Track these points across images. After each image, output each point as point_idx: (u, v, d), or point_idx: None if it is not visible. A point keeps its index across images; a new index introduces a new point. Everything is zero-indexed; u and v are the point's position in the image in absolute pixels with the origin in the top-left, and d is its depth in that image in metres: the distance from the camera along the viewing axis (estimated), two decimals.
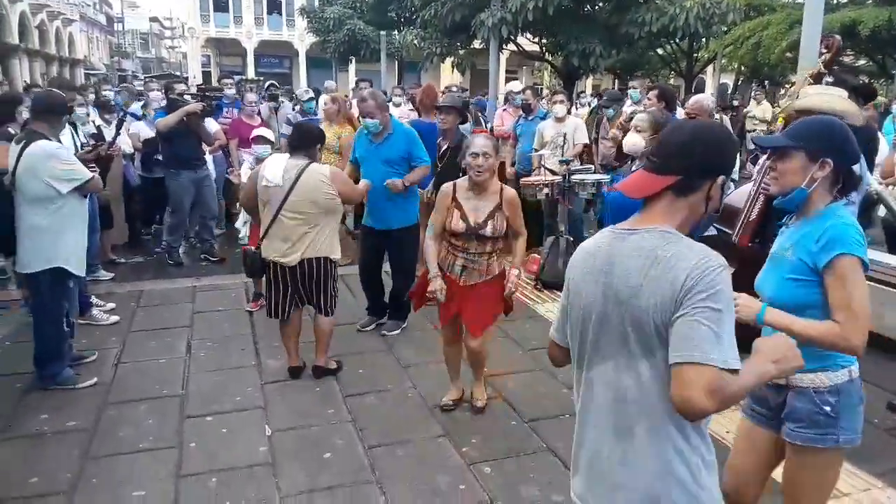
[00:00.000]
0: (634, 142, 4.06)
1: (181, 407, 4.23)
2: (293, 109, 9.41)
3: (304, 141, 4.42)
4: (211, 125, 7.48)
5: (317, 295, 4.49)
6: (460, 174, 4.03)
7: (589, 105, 11.35)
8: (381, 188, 5.04)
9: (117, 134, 6.29)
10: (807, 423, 2.31)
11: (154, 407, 4.23)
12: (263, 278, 4.79)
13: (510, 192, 3.88)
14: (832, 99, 3.80)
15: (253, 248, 4.58)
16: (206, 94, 7.32)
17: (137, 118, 8.08)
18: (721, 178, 1.74)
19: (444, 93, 8.00)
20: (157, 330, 5.51)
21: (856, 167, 2.35)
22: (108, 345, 5.18)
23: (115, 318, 5.67)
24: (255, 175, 4.55)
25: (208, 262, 7.54)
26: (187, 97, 7.16)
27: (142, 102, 8.86)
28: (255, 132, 6.00)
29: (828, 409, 2.28)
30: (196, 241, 7.91)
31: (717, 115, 9.21)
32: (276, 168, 4.40)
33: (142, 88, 10.83)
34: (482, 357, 4.13)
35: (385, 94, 10.60)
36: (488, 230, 3.78)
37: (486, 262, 3.86)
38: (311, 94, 8.95)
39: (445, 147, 5.95)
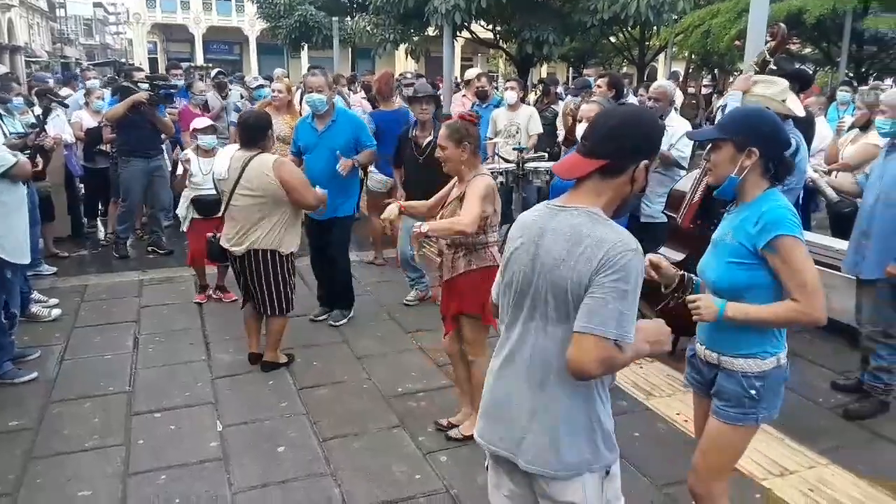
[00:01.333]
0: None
1: (128, 404, 4.14)
2: (241, 98, 9.22)
3: (251, 133, 4.34)
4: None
5: (268, 294, 4.41)
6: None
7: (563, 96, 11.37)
8: (325, 178, 4.88)
9: (43, 122, 6.10)
10: (732, 403, 2.45)
11: (100, 404, 4.13)
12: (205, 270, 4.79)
13: (477, 180, 3.45)
14: (764, 101, 3.89)
15: (213, 235, 4.61)
16: (155, 82, 7.09)
17: (60, 105, 7.76)
18: (644, 163, 1.86)
19: (399, 81, 7.93)
20: (102, 325, 5.38)
21: (789, 153, 2.42)
22: (51, 341, 5.04)
23: (57, 311, 5.51)
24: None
25: (156, 254, 7.38)
26: (142, 86, 6.96)
27: (83, 90, 8.58)
28: (195, 123, 5.84)
29: (753, 392, 2.41)
30: (143, 233, 7.73)
31: (678, 104, 9.35)
32: (224, 161, 4.40)
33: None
34: (475, 374, 3.66)
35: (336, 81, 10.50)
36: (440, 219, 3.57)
37: (452, 257, 3.56)
38: (262, 82, 8.77)
39: (429, 140, 5.67)
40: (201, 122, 5.89)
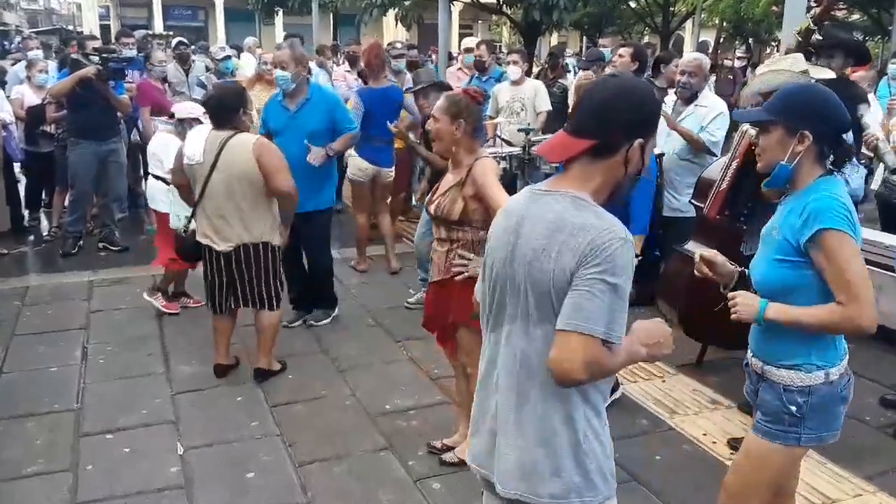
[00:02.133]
0: None
1: (76, 423, 4.14)
2: (206, 70, 9.21)
3: (222, 111, 4.33)
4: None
5: (257, 288, 4.45)
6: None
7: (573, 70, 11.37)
8: (299, 165, 4.85)
9: None
10: (772, 418, 2.46)
11: (44, 423, 4.13)
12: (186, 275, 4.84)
13: (478, 165, 3.40)
14: (776, 76, 3.90)
15: (188, 228, 4.59)
16: (103, 56, 7.05)
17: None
18: (639, 142, 1.84)
19: (387, 51, 7.90)
20: (47, 332, 5.38)
21: (847, 136, 2.42)
22: None
23: None
24: (180, 152, 4.51)
25: (108, 251, 7.36)
26: (93, 59, 6.93)
27: (24, 62, 8.56)
28: (179, 110, 5.70)
29: (793, 408, 2.41)
30: (93, 227, 7.72)
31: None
32: (197, 142, 4.35)
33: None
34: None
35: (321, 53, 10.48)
36: (431, 208, 3.52)
37: (445, 255, 3.52)
38: (229, 52, 8.76)
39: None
40: (185, 108, 5.61)
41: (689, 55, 5.87)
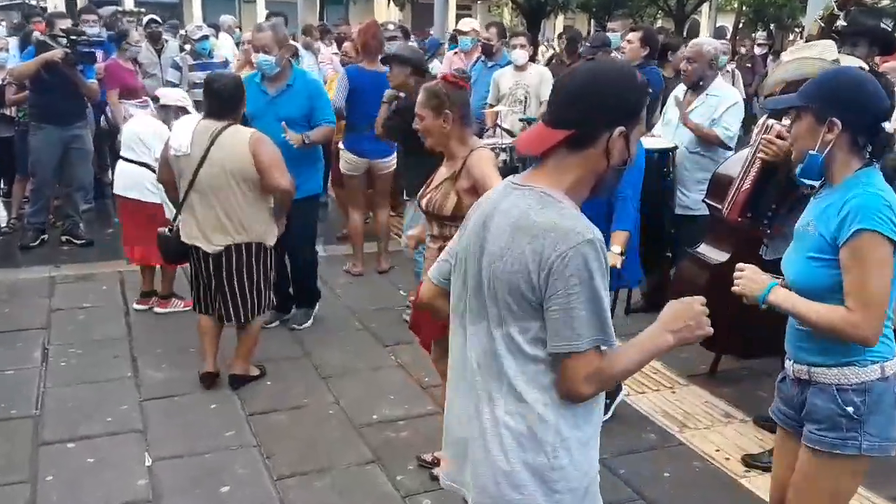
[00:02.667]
0: None
1: (35, 431, 4.14)
2: (181, 51, 9.20)
3: (224, 102, 4.34)
4: None
5: (249, 296, 4.45)
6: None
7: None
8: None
9: None
10: (826, 426, 2.44)
11: (0, 431, 4.13)
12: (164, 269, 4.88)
13: (474, 157, 3.45)
14: (804, 63, 3.93)
15: (166, 229, 4.57)
16: (72, 38, 7.03)
17: None
18: (620, 130, 1.85)
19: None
20: (2, 333, 5.37)
21: (888, 125, 2.44)
22: None
23: None
24: (166, 142, 4.53)
25: (71, 245, 7.36)
26: (61, 41, 6.92)
27: None
28: (168, 96, 5.67)
29: (850, 409, 2.39)
30: (56, 219, 7.71)
31: (727, 67, 9.31)
32: (184, 133, 4.36)
33: None
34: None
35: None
36: (423, 202, 3.57)
37: (437, 252, 3.41)
38: (206, 32, 8.75)
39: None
40: (173, 96, 5.56)
41: (694, 40, 5.89)
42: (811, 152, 2.37)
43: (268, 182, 4.32)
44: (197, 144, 4.29)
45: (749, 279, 2.43)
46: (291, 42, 6.60)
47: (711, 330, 1.91)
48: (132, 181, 5.54)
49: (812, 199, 2.53)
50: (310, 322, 5.55)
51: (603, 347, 1.79)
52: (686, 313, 1.92)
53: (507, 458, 1.87)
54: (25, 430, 4.15)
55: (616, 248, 3.99)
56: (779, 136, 3.87)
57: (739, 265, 2.49)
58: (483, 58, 8.06)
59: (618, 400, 4.34)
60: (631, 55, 6.55)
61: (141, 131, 5.58)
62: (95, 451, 3.96)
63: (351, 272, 6.74)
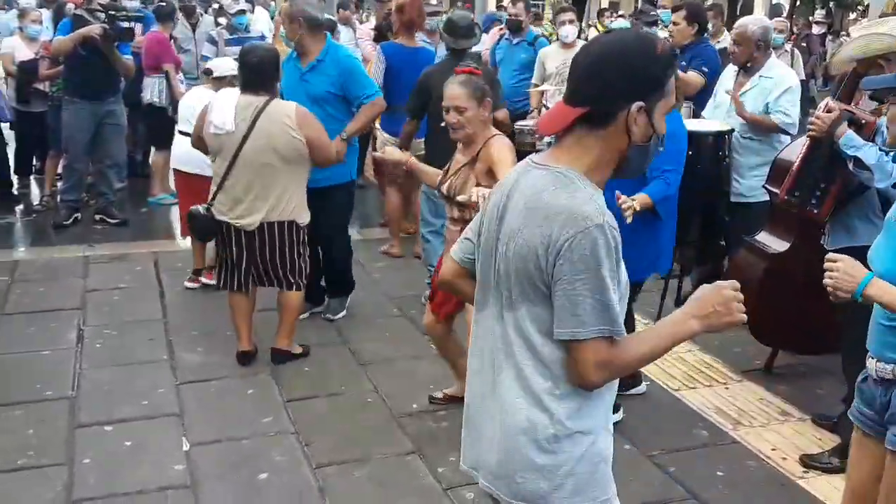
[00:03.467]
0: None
1: (71, 413, 4.21)
2: (216, 25, 9.27)
3: (261, 74, 4.38)
4: None
5: (281, 268, 4.57)
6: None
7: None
8: None
9: None
10: None
11: (35, 412, 4.21)
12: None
13: (496, 142, 3.73)
14: (873, 40, 3.84)
15: (202, 206, 4.60)
16: (110, 13, 7.09)
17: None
18: (639, 105, 1.82)
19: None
20: (37, 313, 5.46)
21: None
22: None
23: None
24: (200, 118, 4.57)
25: (105, 224, 7.46)
26: (99, 16, 6.99)
27: (13, 11, 8.66)
28: (221, 66, 5.69)
29: None
30: (89, 197, 7.82)
31: (785, 47, 9.13)
32: (226, 109, 4.40)
33: None
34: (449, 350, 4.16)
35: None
36: (444, 188, 3.78)
37: (457, 233, 3.52)
38: (243, 6, 8.80)
39: None
40: (226, 66, 5.59)
41: (740, 21, 5.72)
42: None
43: (321, 155, 4.45)
44: (240, 121, 4.34)
45: (845, 272, 2.30)
46: (327, 16, 6.55)
47: (743, 317, 1.83)
48: (189, 155, 5.55)
49: None
50: (344, 312, 5.55)
51: (610, 335, 1.78)
52: (715, 298, 1.83)
53: (511, 442, 1.89)
54: (61, 411, 4.23)
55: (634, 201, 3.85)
56: (827, 111, 3.81)
57: (831, 255, 2.38)
58: (508, 34, 8.00)
59: (640, 389, 4.35)
60: (679, 37, 6.40)
61: (197, 105, 5.62)
62: (132, 434, 4.03)
63: (389, 253, 6.75)
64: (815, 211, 4.08)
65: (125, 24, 7.03)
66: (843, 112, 3.78)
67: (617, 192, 3.74)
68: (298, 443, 4.00)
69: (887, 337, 2.45)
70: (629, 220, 3.68)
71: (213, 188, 4.54)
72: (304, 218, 4.58)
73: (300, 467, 3.79)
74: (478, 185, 3.55)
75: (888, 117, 2.41)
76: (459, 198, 3.55)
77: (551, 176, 1.83)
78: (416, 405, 4.38)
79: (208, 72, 5.83)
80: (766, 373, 4.80)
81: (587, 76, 1.83)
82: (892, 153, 3.06)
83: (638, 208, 3.81)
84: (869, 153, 3.44)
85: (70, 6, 7.87)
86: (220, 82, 5.41)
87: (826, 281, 2.34)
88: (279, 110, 4.35)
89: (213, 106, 4.52)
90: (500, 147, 3.66)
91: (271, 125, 4.31)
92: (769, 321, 4.45)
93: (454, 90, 3.69)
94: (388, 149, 3.95)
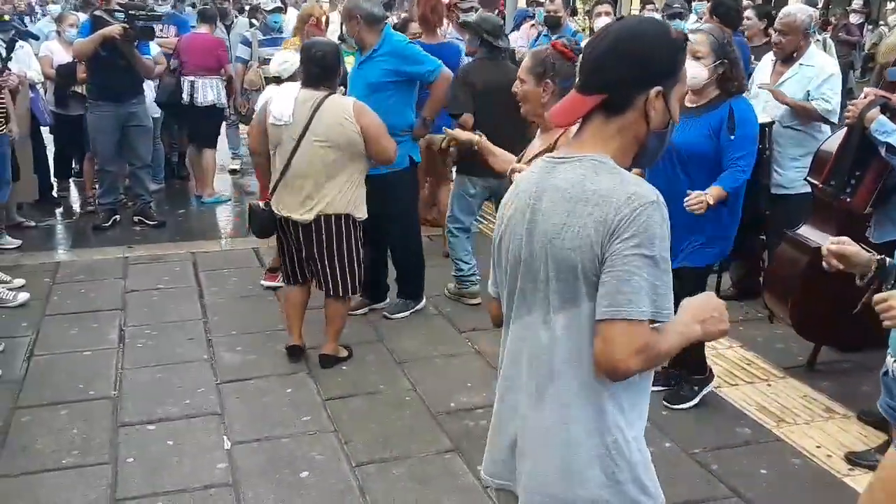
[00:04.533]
0: (694, 73, 3.88)
1: (114, 412, 4.27)
2: (251, 26, 9.33)
3: (324, 69, 4.44)
4: (152, 48, 7.54)
5: (339, 268, 4.58)
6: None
7: None
8: None
9: (7, 57, 6.28)
10: None
11: (79, 412, 4.27)
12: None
13: (572, 131, 3.55)
14: None
15: (261, 203, 4.71)
16: (130, 12, 7.11)
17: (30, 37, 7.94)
18: (657, 90, 1.81)
19: (456, 4, 7.84)
20: (79, 313, 5.54)
21: None
22: (16, 332, 5.21)
23: (24, 296, 5.70)
24: (263, 110, 4.64)
25: (143, 225, 7.56)
26: (119, 16, 7.05)
27: (48, 18, 8.76)
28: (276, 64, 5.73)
29: None
30: (127, 199, 7.92)
31: (819, 37, 9.05)
32: (286, 102, 4.47)
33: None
34: None
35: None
36: (517, 176, 3.58)
37: None
38: (278, 4, 8.84)
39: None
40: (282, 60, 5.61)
41: (785, 10, 5.63)
42: None
43: (377, 149, 4.49)
44: (299, 113, 4.40)
45: None
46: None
47: (728, 327, 1.88)
48: None
49: None
50: (407, 313, 5.50)
51: (654, 319, 1.73)
52: (710, 303, 1.88)
53: (563, 453, 1.84)
54: (104, 410, 4.28)
55: (707, 195, 3.81)
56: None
57: (879, 296, 2.34)
58: (546, 30, 7.97)
59: (705, 391, 4.30)
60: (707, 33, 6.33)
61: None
62: (174, 433, 4.07)
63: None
64: (849, 200, 4.03)
65: (145, 24, 7.06)
66: (878, 98, 3.73)
67: (688, 190, 3.74)
68: (338, 441, 4.02)
69: None
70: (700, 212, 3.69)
71: (273, 182, 4.58)
72: (361, 212, 4.61)
73: (340, 465, 3.81)
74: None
75: None
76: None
77: (587, 163, 1.80)
78: (453, 403, 4.39)
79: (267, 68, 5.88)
80: (809, 369, 4.74)
81: (601, 63, 1.82)
82: None
83: (712, 202, 3.79)
84: None
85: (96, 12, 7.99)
86: (278, 80, 5.42)
87: (886, 323, 2.32)
88: (338, 104, 4.42)
89: (274, 98, 4.61)
90: None
91: (330, 118, 4.37)
92: (812, 317, 4.40)
93: (524, 62, 3.55)
94: (455, 130, 3.83)
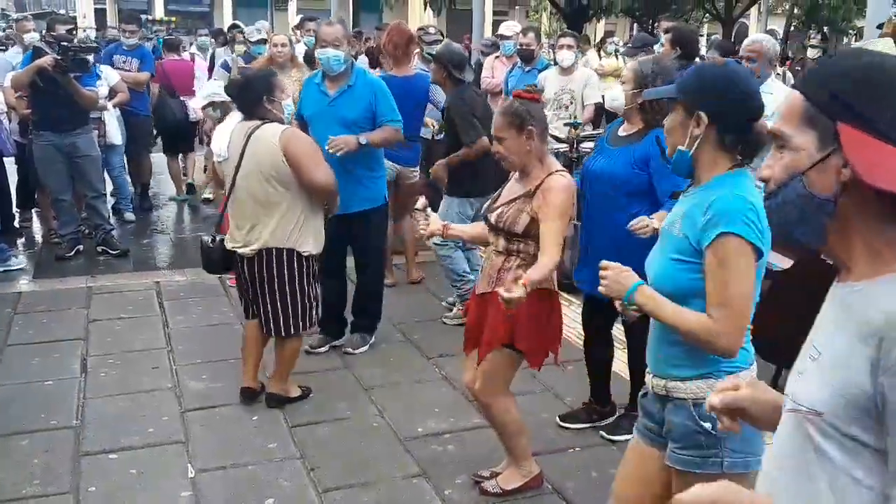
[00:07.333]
0: (614, 96, 3.97)
1: (76, 442, 4.22)
2: (231, 53, 9.46)
3: (249, 97, 4.31)
4: (110, 75, 7.57)
5: (271, 305, 4.40)
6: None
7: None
8: (335, 160, 4.74)
9: None
10: (686, 444, 2.38)
11: (41, 442, 4.21)
12: None
13: (554, 181, 3.43)
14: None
15: (210, 238, 4.59)
16: (63, 44, 7.05)
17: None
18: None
19: (420, 37, 7.94)
20: (41, 343, 5.48)
21: (759, 123, 2.32)
22: None
23: None
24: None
25: (107, 255, 7.51)
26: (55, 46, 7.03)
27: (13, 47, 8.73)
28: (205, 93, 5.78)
29: (708, 425, 2.31)
30: (87, 229, 7.86)
31: (778, 70, 9.29)
32: (223, 137, 4.45)
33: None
34: (495, 417, 3.71)
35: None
36: (493, 217, 3.52)
37: (500, 264, 3.53)
38: (264, 36, 8.88)
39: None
40: (211, 90, 5.80)
41: (752, 37, 5.78)
42: (680, 148, 2.34)
43: (304, 178, 4.23)
44: (234, 147, 4.34)
45: (613, 279, 2.34)
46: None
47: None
48: None
49: (681, 197, 2.47)
50: (366, 347, 5.42)
51: None
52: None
53: None
54: (66, 440, 4.23)
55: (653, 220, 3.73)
56: None
57: (603, 262, 2.39)
58: (521, 63, 8.10)
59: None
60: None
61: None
62: (137, 462, 4.02)
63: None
64: None
65: (78, 57, 6.97)
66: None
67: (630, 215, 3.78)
68: (304, 468, 3.99)
69: (658, 350, 2.46)
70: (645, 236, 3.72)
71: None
72: (307, 247, 4.40)
73: (307, 492, 3.79)
74: (532, 220, 3.40)
75: (665, 128, 2.41)
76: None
77: None
78: (420, 429, 4.38)
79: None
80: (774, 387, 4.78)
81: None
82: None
83: (657, 226, 3.79)
84: None
85: (31, 36, 8.30)
86: (214, 108, 5.43)
87: (599, 287, 2.38)
88: (268, 132, 4.24)
89: (215, 135, 4.55)
90: (559, 190, 3.41)
91: (261, 147, 4.22)
92: (777, 339, 4.45)
93: (495, 118, 3.51)
94: (431, 222, 3.78)
